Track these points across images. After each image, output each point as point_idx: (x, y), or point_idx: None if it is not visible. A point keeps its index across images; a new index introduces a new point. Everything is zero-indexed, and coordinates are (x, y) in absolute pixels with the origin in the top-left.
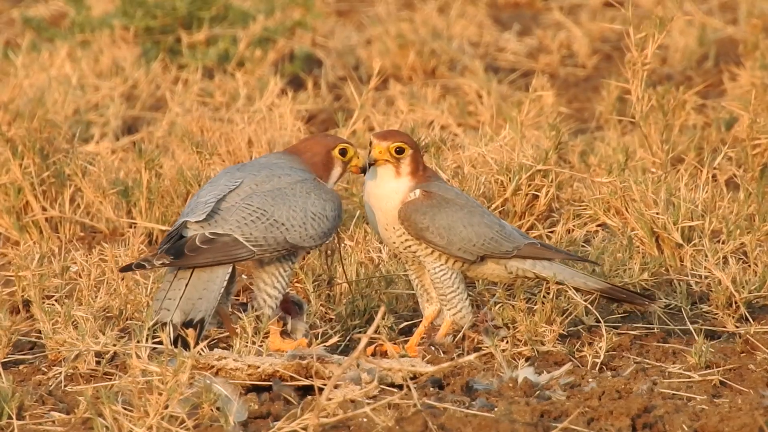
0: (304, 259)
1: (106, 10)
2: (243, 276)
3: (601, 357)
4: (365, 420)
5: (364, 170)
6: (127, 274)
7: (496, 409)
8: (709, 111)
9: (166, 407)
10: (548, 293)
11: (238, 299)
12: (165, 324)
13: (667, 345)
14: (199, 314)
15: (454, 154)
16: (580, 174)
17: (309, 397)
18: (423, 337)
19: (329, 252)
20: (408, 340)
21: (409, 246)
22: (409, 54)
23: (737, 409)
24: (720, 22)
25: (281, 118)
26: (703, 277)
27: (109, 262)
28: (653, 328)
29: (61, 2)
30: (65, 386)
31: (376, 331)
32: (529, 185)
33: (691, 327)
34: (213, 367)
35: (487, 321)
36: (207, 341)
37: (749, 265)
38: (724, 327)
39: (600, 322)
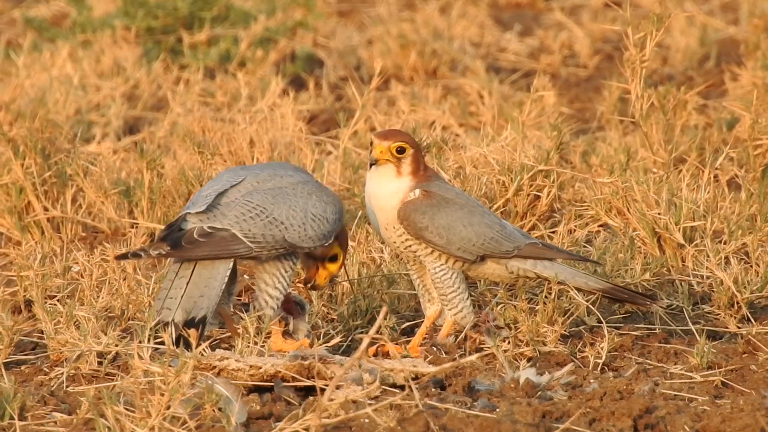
0: None
1: (108, 10)
2: (245, 276)
3: (603, 357)
4: (367, 421)
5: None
6: (129, 275)
7: (497, 410)
8: (711, 111)
9: (168, 408)
10: (550, 293)
11: (240, 300)
12: (167, 324)
13: (668, 346)
14: (201, 312)
15: (456, 155)
16: (581, 174)
17: (311, 398)
18: (425, 338)
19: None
20: (410, 341)
21: (410, 246)
22: (410, 54)
23: (739, 410)
24: (721, 22)
25: (283, 119)
26: (704, 277)
27: (111, 262)
28: (655, 329)
29: (62, 2)
30: (67, 387)
31: (378, 332)
32: (531, 185)
33: (692, 327)
34: (215, 367)
35: (488, 321)
36: (209, 342)
37: (751, 266)
38: (726, 327)
39: (602, 322)
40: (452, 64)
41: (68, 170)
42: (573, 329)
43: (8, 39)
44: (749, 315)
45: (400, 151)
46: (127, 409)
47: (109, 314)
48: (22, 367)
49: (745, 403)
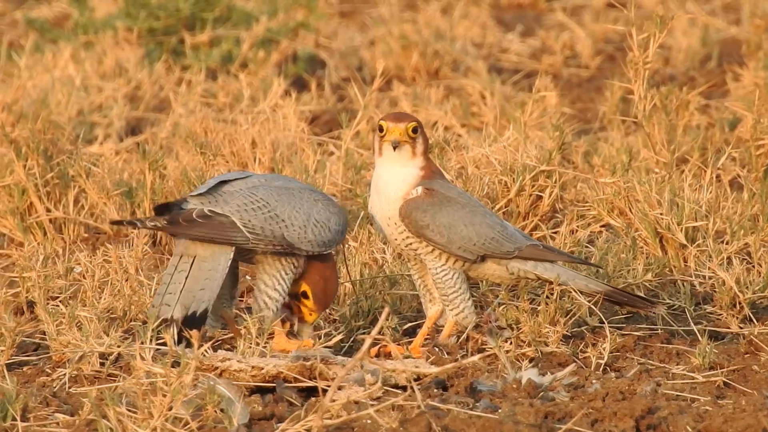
0: None
1: (110, 11)
2: (247, 277)
3: (605, 358)
4: (369, 421)
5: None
6: (132, 275)
7: (500, 411)
8: (713, 111)
9: (170, 409)
10: (552, 294)
11: (243, 301)
12: (167, 320)
13: (671, 346)
14: (202, 305)
15: (458, 155)
16: (583, 174)
17: (313, 399)
18: (427, 338)
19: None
20: (412, 341)
21: (410, 243)
22: (412, 55)
23: (741, 410)
24: (723, 22)
25: (285, 119)
26: (706, 277)
27: (113, 263)
28: (657, 329)
29: (64, 4)
30: (69, 388)
31: (380, 332)
32: (533, 186)
33: (694, 328)
34: (217, 368)
35: (491, 322)
36: (211, 342)
37: (753, 266)
38: (728, 328)
39: (604, 323)
40: (454, 64)
41: (70, 171)
42: (575, 330)
43: (10, 40)
44: (751, 315)
45: (415, 130)
46: (129, 410)
47: (111, 315)
48: (25, 368)
49: (747, 404)
